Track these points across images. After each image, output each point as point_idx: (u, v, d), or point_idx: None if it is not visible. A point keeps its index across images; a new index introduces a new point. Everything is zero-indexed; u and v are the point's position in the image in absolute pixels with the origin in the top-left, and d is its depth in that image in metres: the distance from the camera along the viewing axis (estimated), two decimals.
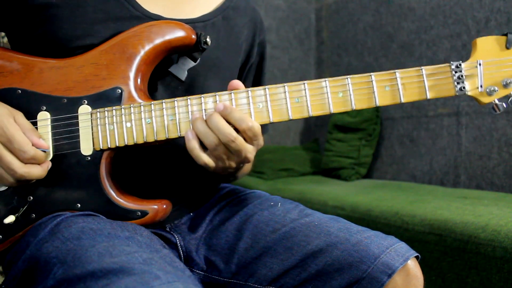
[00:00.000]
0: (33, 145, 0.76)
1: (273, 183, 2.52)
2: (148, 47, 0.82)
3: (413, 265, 0.80)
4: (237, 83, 0.79)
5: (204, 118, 0.76)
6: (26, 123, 0.78)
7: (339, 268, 0.79)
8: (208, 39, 0.85)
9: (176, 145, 0.89)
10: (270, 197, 0.98)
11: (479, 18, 2.11)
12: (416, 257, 0.82)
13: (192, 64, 0.88)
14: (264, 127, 0.95)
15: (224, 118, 0.75)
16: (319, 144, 3.08)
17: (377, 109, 2.54)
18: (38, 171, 0.76)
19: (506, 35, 0.78)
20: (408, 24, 2.48)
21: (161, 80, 0.89)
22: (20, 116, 0.78)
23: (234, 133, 0.74)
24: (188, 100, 0.79)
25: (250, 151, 0.77)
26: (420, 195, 1.87)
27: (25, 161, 0.75)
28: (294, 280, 0.83)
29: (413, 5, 2.44)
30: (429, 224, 1.47)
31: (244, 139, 0.76)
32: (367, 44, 2.78)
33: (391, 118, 2.59)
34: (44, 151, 0.78)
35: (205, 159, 0.76)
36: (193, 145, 0.76)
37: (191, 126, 0.77)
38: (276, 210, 0.91)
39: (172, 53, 0.86)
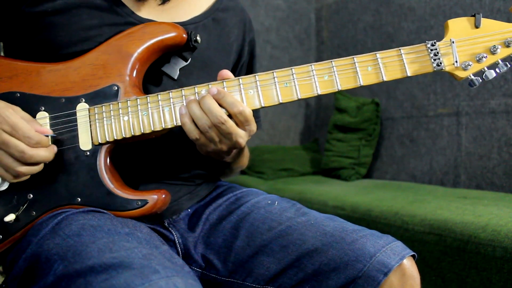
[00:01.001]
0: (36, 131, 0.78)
1: (273, 183, 2.52)
2: (142, 46, 0.85)
3: (409, 265, 0.79)
4: (226, 72, 0.82)
5: (197, 100, 0.80)
6: (25, 115, 0.80)
7: (335, 267, 0.80)
8: (198, 38, 0.89)
9: (173, 140, 0.92)
10: (267, 196, 0.99)
11: None
12: (413, 256, 0.82)
13: (183, 63, 0.91)
14: (257, 123, 0.99)
15: (217, 102, 0.79)
16: (319, 144, 3.08)
17: (377, 109, 2.54)
18: (45, 153, 0.78)
19: (474, 15, 0.84)
20: (408, 24, 2.48)
21: (155, 80, 0.92)
22: (18, 109, 0.80)
23: (224, 116, 0.78)
24: (182, 91, 0.82)
25: (241, 135, 0.81)
26: (420, 195, 1.87)
27: (31, 146, 0.76)
28: (291, 280, 0.84)
29: (413, 5, 2.45)
30: (429, 224, 1.47)
31: (236, 123, 0.80)
32: (367, 44, 2.78)
33: (391, 118, 2.59)
34: (47, 137, 0.80)
35: (197, 134, 0.80)
36: (186, 120, 0.79)
37: (184, 103, 0.81)
38: (273, 209, 0.92)
39: (164, 52, 0.89)
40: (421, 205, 1.64)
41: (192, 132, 0.80)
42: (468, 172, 2.16)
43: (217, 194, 1.02)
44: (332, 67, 0.82)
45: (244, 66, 1.10)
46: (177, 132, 0.85)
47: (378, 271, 0.77)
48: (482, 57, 0.82)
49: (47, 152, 0.78)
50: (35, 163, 0.78)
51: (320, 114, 3.24)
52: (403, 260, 0.78)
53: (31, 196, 0.81)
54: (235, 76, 1.07)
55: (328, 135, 2.78)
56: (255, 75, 0.82)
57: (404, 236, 1.53)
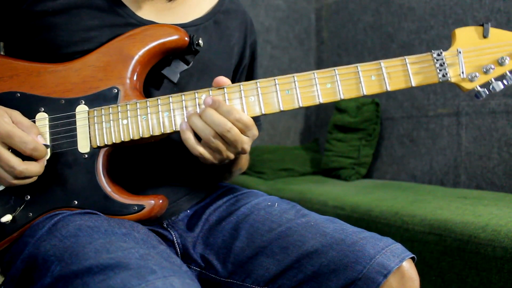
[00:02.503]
0: None
1: (273, 183, 2.52)
2: (143, 49, 0.85)
3: (408, 267, 0.79)
4: (221, 79, 0.81)
5: (198, 113, 0.79)
6: (24, 120, 0.79)
7: (335, 269, 0.79)
8: (200, 41, 0.88)
9: (172, 142, 0.91)
10: (267, 197, 0.98)
11: (479, 18, 2.11)
12: (412, 258, 0.82)
13: (184, 67, 0.91)
14: (257, 126, 1.00)
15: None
16: (319, 144, 3.08)
17: (377, 109, 2.54)
18: (36, 167, 0.77)
19: (482, 25, 0.81)
20: (408, 24, 2.48)
21: (155, 83, 0.91)
22: (17, 114, 0.79)
23: (229, 123, 0.76)
24: (183, 96, 0.81)
25: (246, 141, 0.80)
26: (420, 195, 1.87)
27: (28, 152, 0.76)
28: (290, 281, 0.83)
29: (413, 5, 2.44)
30: (429, 224, 1.47)
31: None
32: (367, 44, 2.78)
33: (391, 118, 2.59)
34: (46, 146, 0.79)
35: (200, 149, 0.79)
36: (188, 136, 0.78)
37: (185, 119, 0.80)
38: (273, 210, 0.92)
39: (166, 55, 0.88)
40: (421, 205, 1.64)
41: (195, 148, 0.78)
42: (468, 172, 2.16)
43: (217, 195, 1.02)
44: (335, 75, 0.80)
45: (245, 68, 1.09)
46: (176, 135, 0.84)
47: (377, 273, 0.76)
48: (490, 69, 0.79)
49: (38, 167, 0.77)
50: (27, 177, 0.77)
51: (320, 114, 3.23)
52: (402, 262, 0.78)
53: (28, 197, 0.81)
54: (235, 79, 1.06)
55: (328, 135, 2.78)
56: (256, 82, 0.80)
57: (404, 236, 1.53)
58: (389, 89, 0.80)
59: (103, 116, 0.82)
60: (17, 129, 0.75)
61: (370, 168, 2.67)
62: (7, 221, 0.79)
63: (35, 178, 0.79)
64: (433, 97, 2.33)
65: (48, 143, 0.81)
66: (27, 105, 0.82)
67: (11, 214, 0.80)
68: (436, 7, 2.31)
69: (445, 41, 2.26)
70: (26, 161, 0.77)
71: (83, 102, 0.83)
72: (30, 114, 0.82)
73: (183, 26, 0.92)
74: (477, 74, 0.80)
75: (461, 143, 2.19)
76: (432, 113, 2.34)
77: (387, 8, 2.62)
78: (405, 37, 2.50)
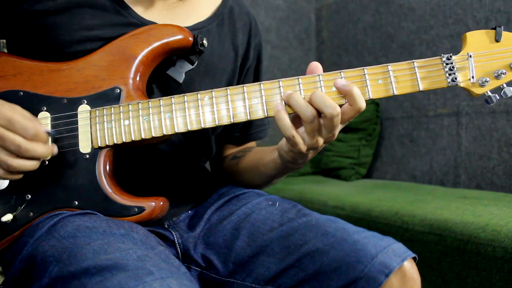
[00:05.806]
0: None
1: None
2: (146, 48, 0.84)
3: (409, 267, 0.79)
4: (313, 64, 0.80)
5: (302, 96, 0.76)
6: (26, 113, 0.77)
7: (336, 268, 0.79)
8: (204, 41, 0.87)
9: (174, 143, 0.91)
10: (268, 197, 0.98)
11: (479, 18, 2.11)
12: (414, 258, 0.82)
13: (189, 67, 0.90)
14: (264, 130, 1.00)
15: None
16: None
17: (377, 109, 2.54)
18: (42, 149, 0.75)
19: (495, 28, 0.79)
20: (408, 24, 2.48)
21: (159, 83, 0.91)
22: (17, 107, 0.78)
23: (338, 108, 0.75)
24: (185, 96, 0.80)
25: (338, 130, 0.78)
26: (420, 195, 1.87)
27: (29, 137, 0.74)
28: (291, 280, 0.83)
29: (413, 5, 2.44)
30: (429, 224, 1.47)
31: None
32: (367, 44, 2.78)
33: (391, 118, 2.59)
34: (48, 133, 0.78)
35: (293, 132, 0.76)
36: (283, 115, 0.76)
37: (282, 101, 0.78)
38: (274, 210, 0.91)
39: (170, 55, 0.88)
40: (421, 205, 1.64)
41: (289, 130, 0.76)
42: (468, 172, 2.16)
43: (218, 195, 1.02)
44: (341, 78, 0.78)
45: (251, 71, 1.08)
46: (179, 136, 0.84)
47: (379, 272, 0.76)
48: (501, 73, 0.77)
49: (45, 148, 0.76)
50: (30, 158, 0.75)
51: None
52: (404, 261, 0.78)
53: (29, 196, 0.81)
54: (240, 81, 1.06)
55: None
56: (260, 83, 0.79)
57: (404, 236, 1.53)
58: (396, 93, 0.78)
59: (104, 116, 0.82)
60: (18, 116, 0.74)
61: (370, 168, 2.67)
62: (8, 220, 0.79)
63: (35, 165, 0.76)
64: (433, 97, 2.33)
65: (50, 141, 0.81)
66: (30, 104, 0.82)
67: (11, 213, 0.80)
68: (436, 7, 2.31)
69: (445, 41, 2.27)
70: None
71: (86, 101, 0.83)
72: (32, 113, 0.81)
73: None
74: (488, 79, 0.77)
75: (461, 143, 2.19)
76: (432, 113, 2.34)
77: (387, 8, 2.62)
78: (405, 37, 2.50)
